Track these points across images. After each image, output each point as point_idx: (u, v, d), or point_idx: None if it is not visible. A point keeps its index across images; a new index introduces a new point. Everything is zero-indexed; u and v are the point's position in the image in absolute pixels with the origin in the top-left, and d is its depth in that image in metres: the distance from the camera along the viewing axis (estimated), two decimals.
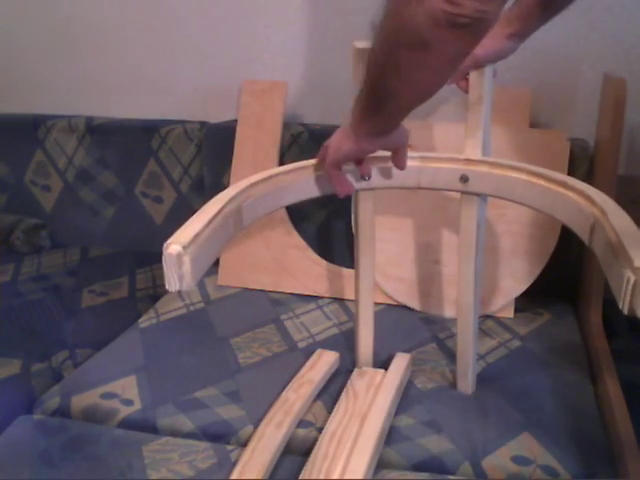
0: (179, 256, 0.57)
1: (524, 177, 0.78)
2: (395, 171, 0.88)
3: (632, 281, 0.52)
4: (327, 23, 1.33)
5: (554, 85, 1.26)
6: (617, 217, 0.61)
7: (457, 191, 0.87)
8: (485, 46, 0.81)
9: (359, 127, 0.74)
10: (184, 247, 0.57)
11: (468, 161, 0.85)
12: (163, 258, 0.57)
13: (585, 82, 1.24)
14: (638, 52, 1.20)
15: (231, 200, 0.69)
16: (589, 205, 0.67)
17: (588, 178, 1.14)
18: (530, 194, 0.78)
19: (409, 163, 0.87)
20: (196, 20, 1.40)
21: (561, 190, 0.73)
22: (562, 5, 0.81)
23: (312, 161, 0.85)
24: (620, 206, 0.64)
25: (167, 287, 0.58)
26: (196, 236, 0.59)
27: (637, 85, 1.14)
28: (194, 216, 0.64)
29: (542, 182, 0.76)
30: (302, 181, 0.83)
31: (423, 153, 0.88)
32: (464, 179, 0.85)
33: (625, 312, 0.53)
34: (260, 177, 0.77)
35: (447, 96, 1.29)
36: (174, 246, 0.57)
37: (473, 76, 0.85)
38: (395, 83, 0.62)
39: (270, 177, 0.79)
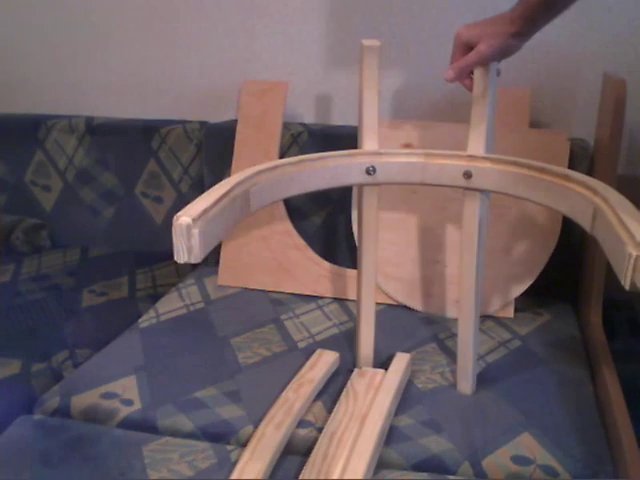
0: (189, 227, 0.58)
1: (527, 172, 0.79)
2: (399, 167, 0.88)
3: (634, 256, 0.52)
4: (327, 23, 1.33)
5: (554, 85, 1.26)
6: (618, 201, 0.62)
7: (460, 187, 0.87)
8: (489, 44, 0.82)
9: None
10: (194, 220, 0.58)
11: (471, 157, 0.86)
12: (173, 229, 0.59)
13: (585, 82, 1.24)
14: (638, 52, 1.20)
15: (239, 184, 0.71)
16: (591, 195, 0.68)
17: None
18: (533, 189, 0.78)
19: (413, 159, 0.88)
20: (196, 20, 1.40)
21: (564, 183, 0.73)
22: (565, 5, 0.82)
23: (318, 154, 0.86)
24: None
25: (175, 258, 0.60)
26: (205, 211, 0.61)
27: (637, 85, 1.14)
28: (203, 194, 0.65)
29: (545, 176, 0.76)
30: (308, 173, 0.84)
31: (427, 150, 0.88)
32: (467, 175, 0.85)
33: (627, 288, 0.54)
34: (267, 166, 0.79)
35: (450, 96, 1.29)
36: (184, 218, 0.58)
37: (477, 74, 0.85)
38: None
39: (277, 167, 0.80)
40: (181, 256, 0.59)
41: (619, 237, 0.56)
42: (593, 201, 0.66)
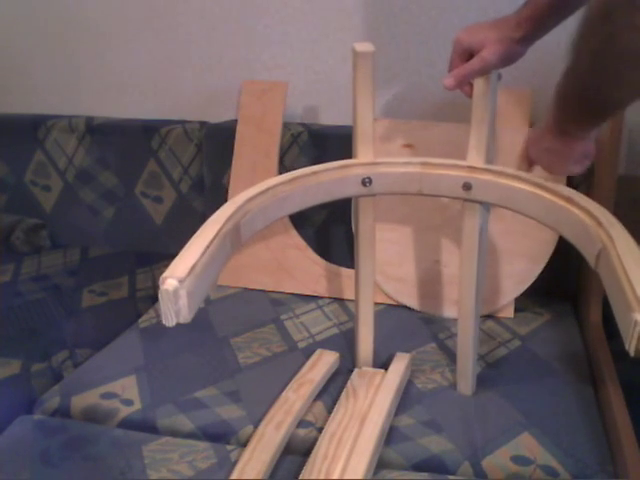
0: (175, 291, 0.55)
1: (528, 188, 0.77)
2: (396, 177, 0.87)
3: None
4: (327, 23, 1.33)
5: (554, 85, 1.25)
6: (625, 246, 0.59)
7: (459, 199, 0.86)
8: (494, 50, 0.78)
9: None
10: (180, 281, 0.55)
11: (471, 169, 0.84)
12: (159, 293, 0.55)
13: None
14: None
15: (229, 219, 0.68)
16: (595, 226, 0.65)
17: (588, 178, 1.14)
18: (534, 206, 0.76)
19: (410, 169, 0.86)
20: (196, 20, 1.40)
21: (566, 205, 0.71)
22: (576, 6, 0.75)
23: (311, 169, 0.83)
24: (620, 206, 0.63)
25: (164, 322, 0.56)
26: (193, 267, 0.57)
27: None
28: (190, 241, 0.62)
29: (546, 195, 0.74)
30: (301, 190, 0.82)
31: (425, 159, 0.86)
32: (467, 187, 0.83)
33: (632, 354, 0.52)
34: (258, 190, 0.75)
35: (449, 96, 1.29)
36: (170, 281, 0.55)
37: (478, 81, 0.82)
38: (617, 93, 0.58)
39: (268, 189, 0.77)
40: (169, 319, 0.56)
41: (624, 294, 0.53)
42: (598, 236, 0.63)
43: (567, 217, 0.71)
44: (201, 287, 0.59)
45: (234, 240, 0.69)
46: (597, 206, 0.68)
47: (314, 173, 0.83)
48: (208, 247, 0.61)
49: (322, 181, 0.83)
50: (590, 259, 0.65)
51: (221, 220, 0.67)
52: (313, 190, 0.83)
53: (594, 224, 0.65)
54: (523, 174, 0.79)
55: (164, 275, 0.56)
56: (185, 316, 0.56)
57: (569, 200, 0.71)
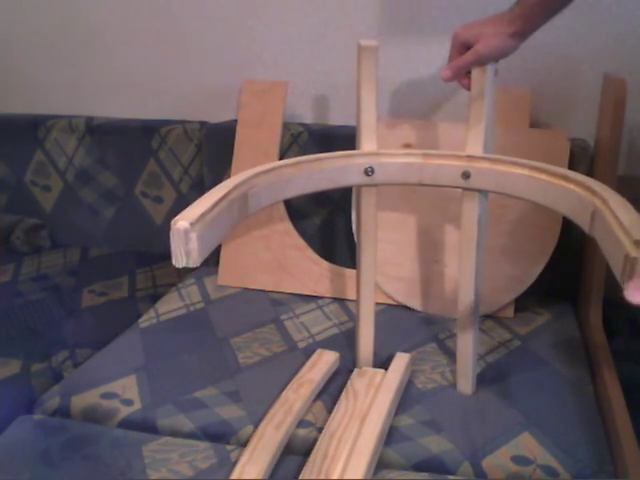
0: (186, 232, 0.58)
1: (526, 172, 0.79)
2: (398, 168, 0.88)
3: (631, 257, 0.52)
4: (327, 23, 1.33)
5: (554, 85, 1.26)
6: (617, 202, 0.62)
7: (459, 188, 0.87)
8: (488, 44, 0.83)
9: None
10: (191, 224, 0.58)
11: (470, 158, 0.86)
12: (171, 234, 0.58)
13: (585, 82, 1.24)
14: (638, 52, 1.20)
15: (237, 187, 0.70)
16: (589, 195, 0.68)
17: None
18: (532, 189, 0.79)
19: (411, 160, 0.88)
20: (196, 20, 1.40)
21: (562, 183, 0.73)
22: (563, 4, 0.82)
23: (316, 156, 0.85)
24: None
25: (174, 263, 0.59)
26: (203, 215, 0.60)
27: (637, 85, 1.14)
28: (200, 198, 0.65)
29: (543, 176, 0.76)
30: (306, 175, 0.84)
31: (426, 150, 0.89)
32: (466, 175, 0.85)
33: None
34: (265, 168, 0.78)
35: (449, 96, 1.29)
36: (182, 222, 0.58)
37: (475, 73, 0.86)
38: None
39: (275, 168, 0.80)
40: (179, 260, 0.59)
41: (617, 238, 0.55)
42: (592, 202, 0.66)
43: (563, 193, 0.73)
44: (210, 236, 0.62)
45: (241, 207, 0.71)
46: (590, 179, 0.71)
47: (318, 159, 0.85)
48: (217, 204, 0.64)
49: (326, 168, 0.85)
50: (585, 224, 0.67)
51: (229, 185, 0.69)
52: (316, 176, 0.85)
53: (588, 194, 0.68)
54: (519, 160, 0.81)
55: (176, 218, 0.59)
56: (195, 259, 0.59)
57: (564, 177, 0.73)
